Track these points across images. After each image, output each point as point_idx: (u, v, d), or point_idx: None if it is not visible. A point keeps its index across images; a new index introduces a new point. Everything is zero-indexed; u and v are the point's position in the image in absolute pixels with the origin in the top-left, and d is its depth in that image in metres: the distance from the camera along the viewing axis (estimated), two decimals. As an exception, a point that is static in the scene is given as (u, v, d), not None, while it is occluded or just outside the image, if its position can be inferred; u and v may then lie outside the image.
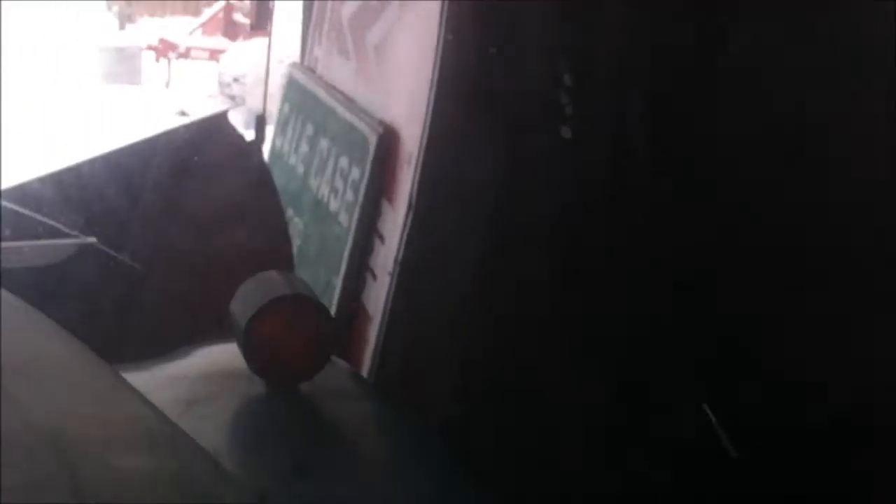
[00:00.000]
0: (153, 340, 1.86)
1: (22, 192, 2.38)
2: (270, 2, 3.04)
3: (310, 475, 1.33)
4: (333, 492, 1.30)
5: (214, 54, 14.01)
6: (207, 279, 2.29)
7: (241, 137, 2.62)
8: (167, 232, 2.46)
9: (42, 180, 2.41)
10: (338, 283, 2.58)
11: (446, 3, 2.15)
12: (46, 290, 2.01)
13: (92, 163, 2.47)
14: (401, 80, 2.46)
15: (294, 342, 1.46)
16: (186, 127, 2.85)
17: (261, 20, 3.10)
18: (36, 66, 14.79)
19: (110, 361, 1.16)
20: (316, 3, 3.26)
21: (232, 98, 12.57)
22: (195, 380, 1.57)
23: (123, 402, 1.05)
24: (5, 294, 1.17)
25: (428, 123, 2.18)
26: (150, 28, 17.82)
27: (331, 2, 3.11)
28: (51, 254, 2.10)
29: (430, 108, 2.18)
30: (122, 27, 18.67)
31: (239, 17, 14.46)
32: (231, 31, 14.24)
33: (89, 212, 2.36)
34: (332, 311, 2.59)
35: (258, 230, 2.53)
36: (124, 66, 15.02)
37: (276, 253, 2.54)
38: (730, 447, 1.97)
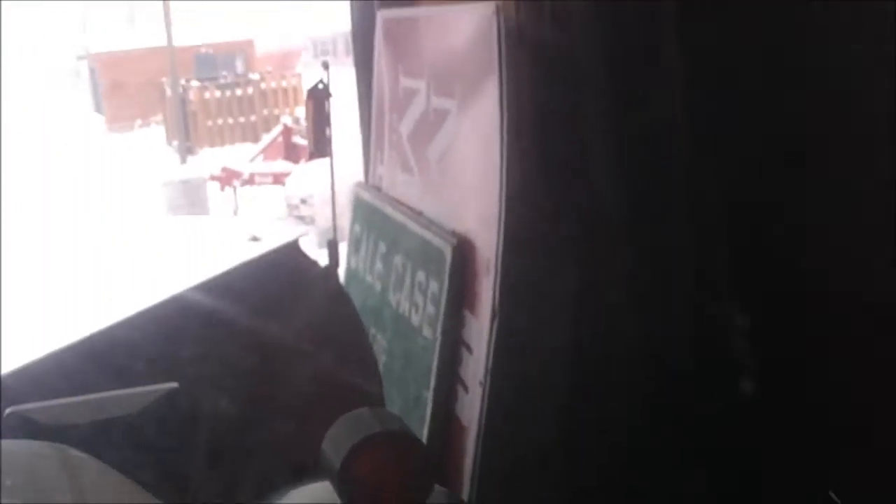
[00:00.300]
0: (246, 487, 1.87)
1: (92, 341, 2.34)
2: (327, 129, 3.07)
3: None
4: None
5: (278, 178, 14.20)
6: (298, 417, 2.25)
7: (315, 264, 2.54)
8: (251, 371, 2.39)
9: (120, 325, 2.36)
10: (429, 395, 2.58)
11: (504, 105, 2.17)
12: (129, 440, 1.99)
13: (169, 303, 2.41)
14: (468, 189, 2.48)
15: (391, 479, 1.43)
16: (260, 258, 2.69)
17: (319, 147, 3.13)
18: (104, 204, 15.07)
19: None
20: (374, 124, 3.30)
21: (301, 219, 12.72)
22: None
23: None
24: (84, 456, 1.17)
25: (502, 230, 2.19)
26: (211, 158, 18.10)
27: (388, 120, 3.15)
28: (133, 403, 2.07)
29: (503, 215, 2.18)
30: (183, 161, 19.01)
31: (298, 139, 14.67)
32: (292, 153, 14.44)
33: (170, 355, 2.32)
34: (426, 424, 2.58)
35: (344, 358, 2.46)
36: (190, 197, 15.21)
37: (367, 380, 2.45)
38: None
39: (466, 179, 2.50)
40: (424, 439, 2.56)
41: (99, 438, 1.39)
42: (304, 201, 12.53)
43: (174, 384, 2.09)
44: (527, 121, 2.20)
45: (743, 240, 2.02)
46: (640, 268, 2.19)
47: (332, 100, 3.06)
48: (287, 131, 14.89)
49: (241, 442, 2.28)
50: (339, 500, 1.43)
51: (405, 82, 2.95)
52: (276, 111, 20.56)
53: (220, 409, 2.28)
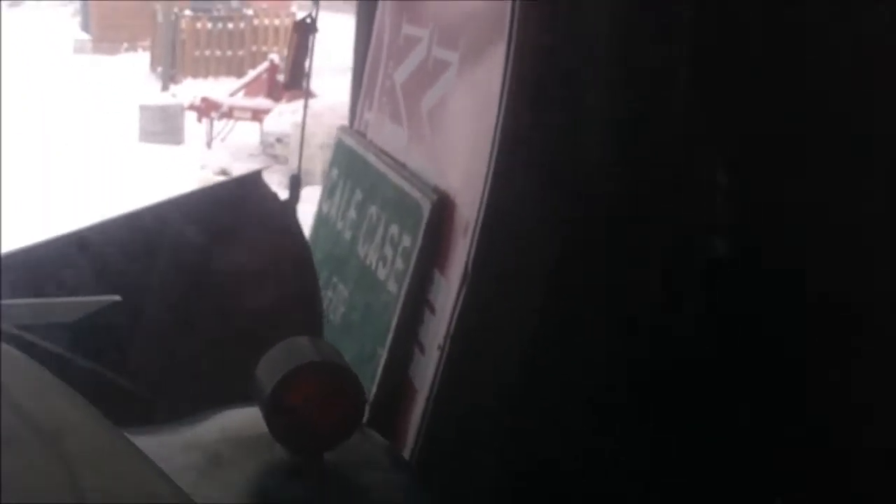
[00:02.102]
0: (176, 403, 1.85)
1: (48, 249, 2.37)
2: (306, 62, 3.03)
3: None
4: None
5: (258, 114, 14.00)
6: (236, 340, 2.26)
7: (275, 197, 2.59)
8: (196, 291, 2.43)
9: (70, 237, 2.39)
10: (383, 353, 2.50)
11: (509, 67, 2.08)
12: (68, 347, 2.01)
13: (123, 219, 2.46)
14: (457, 146, 2.39)
15: (320, 410, 1.44)
16: (221, 185, 3.10)
17: (294, 79, 3.10)
18: (77, 122, 14.93)
19: (130, 424, 1.13)
20: (367, 68, 3.21)
21: (275, 158, 12.58)
22: (215, 444, 1.54)
23: (133, 475, 1.01)
24: (16, 353, 1.15)
25: (487, 192, 2.11)
26: (193, 88, 17.90)
27: (383, 67, 3.05)
28: (74, 311, 2.07)
29: (490, 176, 2.10)
30: (164, 88, 18.80)
31: (282, 78, 14.49)
32: (275, 91, 14.23)
33: (117, 270, 2.34)
34: (376, 382, 2.51)
35: (290, 292, 2.51)
36: (166, 124, 15.09)
37: (307, 316, 2.51)
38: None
39: (456, 136, 2.42)
40: (372, 396, 2.49)
41: (34, 342, 1.27)
42: (279, 140, 12.39)
43: (116, 297, 2.09)
44: (528, 85, 2.11)
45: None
46: (622, 255, 2.13)
47: (315, 35, 2.97)
48: (273, 68, 14.69)
49: (176, 359, 2.32)
50: (265, 428, 1.44)
51: (407, 29, 2.86)
52: (265, 49, 20.34)
53: (159, 324, 2.32)
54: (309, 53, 2.99)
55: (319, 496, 1.46)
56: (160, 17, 21.12)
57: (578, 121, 2.11)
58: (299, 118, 12.35)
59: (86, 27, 28.85)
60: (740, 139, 2.01)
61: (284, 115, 12.70)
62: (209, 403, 1.65)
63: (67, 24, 30.54)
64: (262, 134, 13.65)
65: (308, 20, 2.96)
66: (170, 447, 1.39)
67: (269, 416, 1.42)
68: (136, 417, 1.48)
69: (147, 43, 23.94)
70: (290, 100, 12.96)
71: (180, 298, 2.42)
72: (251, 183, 2.59)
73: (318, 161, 11.64)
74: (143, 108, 15.25)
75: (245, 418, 1.51)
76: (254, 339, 1.58)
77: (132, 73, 22.09)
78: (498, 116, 2.10)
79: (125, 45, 25.94)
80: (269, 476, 1.46)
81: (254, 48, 21.04)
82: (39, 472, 0.92)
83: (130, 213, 2.47)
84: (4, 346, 1.14)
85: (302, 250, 2.57)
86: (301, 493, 1.46)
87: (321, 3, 3.29)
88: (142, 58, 23.91)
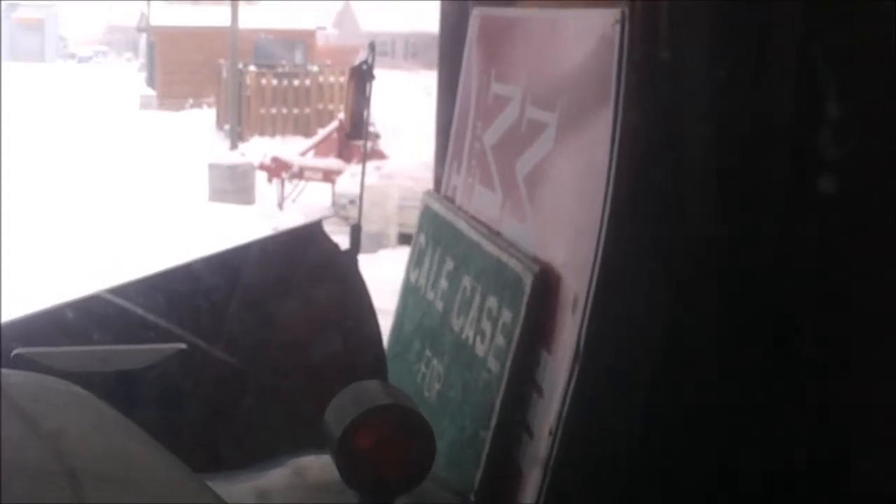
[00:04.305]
0: (247, 450, 1.84)
1: (110, 298, 2.39)
2: (365, 112, 3.00)
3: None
4: None
5: (329, 175, 13.95)
6: (301, 387, 2.29)
7: (335, 246, 2.62)
8: (261, 339, 2.47)
9: (134, 284, 2.42)
10: (487, 436, 2.33)
11: (617, 130, 1.92)
12: (138, 394, 2.04)
13: (187, 267, 2.50)
14: (560, 214, 2.24)
15: (390, 453, 1.42)
16: (283, 234, 3.03)
17: (355, 128, 3.09)
18: (146, 179, 14.99)
19: (200, 469, 1.13)
20: (454, 130, 3.07)
21: (346, 219, 12.51)
22: (287, 490, 1.55)
23: None
24: (93, 398, 1.16)
25: (598, 264, 1.94)
26: (260, 147, 17.93)
27: (471, 128, 2.91)
28: (142, 358, 2.10)
29: (601, 248, 1.93)
30: (233, 146, 18.87)
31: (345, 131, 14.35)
32: (345, 151, 14.19)
33: (183, 318, 2.38)
34: (480, 466, 2.35)
35: (353, 338, 2.54)
36: (237, 184, 15.10)
37: (372, 362, 2.54)
38: None
39: (558, 203, 2.26)
40: (477, 482, 2.33)
41: (103, 388, 1.35)
42: (352, 202, 12.31)
43: (182, 345, 2.12)
44: (638, 149, 1.95)
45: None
46: (741, 327, 1.96)
47: (372, 82, 2.94)
48: (342, 127, 14.67)
49: (243, 407, 2.37)
50: (336, 473, 1.42)
51: (497, 88, 2.71)
52: (331, 106, 20.40)
53: (227, 372, 2.38)
54: (367, 102, 2.94)
55: None
56: (224, 73, 21.25)
57: (691, 186, 1.95)
58: (370, 180, 12.34)
59: (151, 83, 29.27)
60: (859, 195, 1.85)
61: (357, 177, 12.62)
62: (278, 452, 1.66)
63: (133, 79, 31.00)
64: (335, 195, 13.60)
65: (364, 66, 2.87)
66: (242, 493, 1.39)
67: (339, 461, 1.41)
68: (209, 464, 1.49)
69: (212, 99, 24.16)
70: (360, 161, 12.90)
71: (247, 346, 2.45)
72: (312, 232, 2.66)
73: (393, 223, 11.61)
74: (213, 167, 15.29)
75: (316, 464, 1.52)
76: (321, 386, 1.58)
77: (198, 129, 22.27)
78: (607, 183, 1.94)
79: (190, 100, 26.24)
80: None
81: (319, 106, 21.16)
82: None
83: (197, 259, 2.51)
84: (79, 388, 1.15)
85: (363, 297, 2.58)
86: None
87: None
88: (207, 114, 24.11)
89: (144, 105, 27.02)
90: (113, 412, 1.18)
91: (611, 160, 1.93)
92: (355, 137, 3.53)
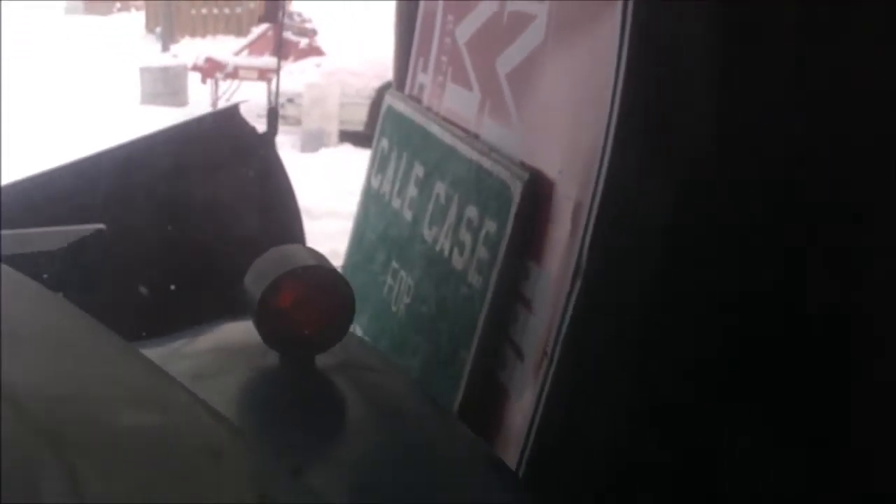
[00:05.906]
0: (165, 322, 1.85)
1: (33, 183, 2.45)
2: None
3: (336, 446, 1.34)
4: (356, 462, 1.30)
5: (264, 74, 13.55)
6: (221, 261, 2.34)
7: (252, 129, 2.75)
8: (180, 216, 2.57)
9: (56, 171, 2.47)
10: (468, 355, 2.16)
11: (628, 20, 1.71)
12: (59, 274, 2.05)
13: (105, 154, 2.57)
14: (555, 115, 2.03)
15: (309, 313, 1.44)
16: (200, 119, 3.09)
17: (269, 13, 3.12)
18: (75, 85, 14.63)
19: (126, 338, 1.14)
20: (419, 23, 2.84)
21: (284, 119, 12.20)
22: (206, 354, 1.56)
23: (132, 365, 1.02)
24: (15, 273, 1.16)
25: (605, 170, 1.74)
26: (193, 48, 17.52)
27: (439, 23, 2.68)
28: (60, 240, 2.09)
29: (608, 153, 1.73)
30: (164, 48, 18.40)
31: (289, 36, 14.07)
32: (281, 50, 13.81)
33: (102, 200, 2.45)
34: (461, 388, 2.17)
35: (271, 213, 2.68)
36: (170, 86, 14.79)
37: (290, 234, 2.64)
38: None
39: (552, 104, 2.05)
40: (457, 403, 2.16)
41: (23, 270, 1.31)
42: (290, 100, 11.96)
43: (101, 225, 2.12)
44: (653, 43, 1.74)
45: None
46: (763, 247, 1.79)
47: None
48: (277, 26, 14.29)
49: (167, 281, 2.45)
50: (258, 336, 1.44)
51: (472, -23, 2.48)
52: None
53: (146, 249, 2.46)
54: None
55: (311, 400, 1.46)
56: (154, -26, 20.70)
57: (712, 82, 1.75)
58: (309, 78, 12.00)
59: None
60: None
61: (294, 75, 12.28)
62: (199, 320, 1.68)
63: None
64: (271, 94, 13.26)
65: None
66: (162, 358, 1.35)
67: (259, 322, 1.43)
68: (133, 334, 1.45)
69: (140, 2, 23.62)
70: (297, 58, 12.56)
71: (166, 223, 2.54)
72: (229, 116, 2.77)
73: (334, 121, 11.30)
74: (144, 70, 14.95)
75: (238, 329, 1.53)
76: (240, 258, 1.58)
77: (127, 33, 21.76)
78: (616, 79, 1.73)
79: (118, 4, 25.63)
80: (260, 382, 1.47)
81: (252, 5, 20.67)
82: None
83: (115, 146, 2.57)
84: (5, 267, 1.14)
85: (281, 176, 2.72)
86: (292, 396, 1.45)
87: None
88: (136, 17, 23.58)
89: (70, 10, 26.22)
90: (36, 285, 1.17)
91: (620, 54, 1.72)
92: (269, 20, 3.93)
